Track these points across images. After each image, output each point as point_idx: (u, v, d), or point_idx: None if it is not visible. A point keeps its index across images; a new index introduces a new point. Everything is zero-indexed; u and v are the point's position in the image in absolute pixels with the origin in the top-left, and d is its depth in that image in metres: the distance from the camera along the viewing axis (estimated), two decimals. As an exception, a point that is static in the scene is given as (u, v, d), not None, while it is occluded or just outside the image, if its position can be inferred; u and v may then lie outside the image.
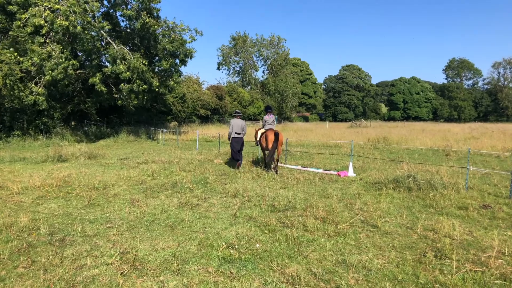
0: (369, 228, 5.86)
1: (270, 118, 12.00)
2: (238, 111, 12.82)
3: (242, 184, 9.39)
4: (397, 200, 7.71)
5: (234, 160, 12.41)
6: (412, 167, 11.36)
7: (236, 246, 4.98)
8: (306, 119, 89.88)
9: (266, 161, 11.78)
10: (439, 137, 23.48)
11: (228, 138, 12.47)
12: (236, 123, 12.27)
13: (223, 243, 5.04)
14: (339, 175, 10.67)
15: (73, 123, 26.78)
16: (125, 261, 4.48)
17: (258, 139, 12.27)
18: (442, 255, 4.68)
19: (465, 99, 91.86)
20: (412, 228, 5.84)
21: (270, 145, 11.14)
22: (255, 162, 13.11)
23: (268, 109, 12.32)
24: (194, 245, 5.07)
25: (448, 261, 4.52)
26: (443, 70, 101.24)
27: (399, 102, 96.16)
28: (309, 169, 11.79)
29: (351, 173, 10.76)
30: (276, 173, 11.05)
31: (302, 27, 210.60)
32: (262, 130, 12.15)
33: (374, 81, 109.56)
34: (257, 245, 5.03)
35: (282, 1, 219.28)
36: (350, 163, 11.08)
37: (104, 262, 4.48)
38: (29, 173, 10.82)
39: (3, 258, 4.56)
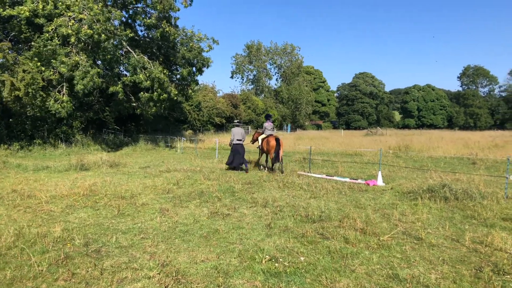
0: (413, 240, 5.60)
1: (269, 125, 13.46)
2: (238, 120, 14.68)
3: (270, 193, 9.19)
4: (435, 210, 7.42)
5: (227, 164, 13.54)
6: (442, 176, 11.02)
7: (280, 259, 4.78)
8: (319, 127, 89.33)
9: (272, 164, 12.94)
10: (461, 145, 22.96)
11: (230, 145, 14.01)
12: (237, 131, 13.66)
13: (266, 256, 4.84)
14: (368, 184, 10.38)
15: (91, 132, 26.94)
16: (166, 274, 4.31)
17: (260, 143, 13.55)
18: (500, 271, 4.40)
19: (481, 107, 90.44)
20: (459, 241, 5.57)
21: (272, 151, 12.42)
22: (269, 169, 12.92)
23: (268, 117, 13.95)
24: (234, 257, 4.88)
25: (509, 277, 4.24)
26: (458, 78, 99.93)
27: (413, 110, 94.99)
28: (334, 178, 11.52)
29: (380, 182, 10.46)
30: (282, 173, 12.32)
31: (315, 35, 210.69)
32: (263, 136, 13.45)
33: (387, 88, 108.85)
34: (301, 258, 4.82)
35: (295, 11, 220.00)
36: (379, 172, 10.77)
37: (145, 275, 4.31)
38: (54, 181, 10.78)
39: (42, 270, 4.43)
